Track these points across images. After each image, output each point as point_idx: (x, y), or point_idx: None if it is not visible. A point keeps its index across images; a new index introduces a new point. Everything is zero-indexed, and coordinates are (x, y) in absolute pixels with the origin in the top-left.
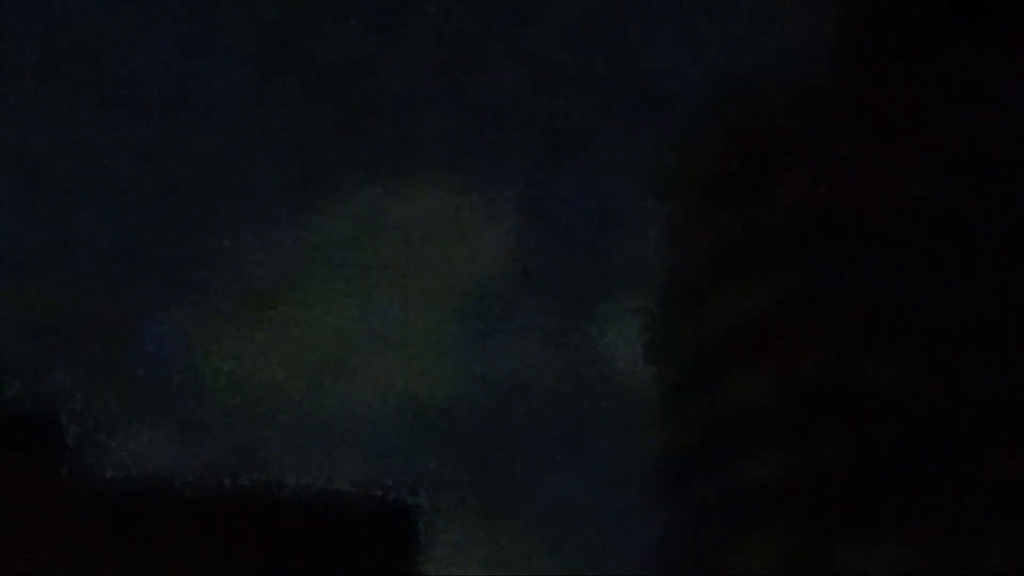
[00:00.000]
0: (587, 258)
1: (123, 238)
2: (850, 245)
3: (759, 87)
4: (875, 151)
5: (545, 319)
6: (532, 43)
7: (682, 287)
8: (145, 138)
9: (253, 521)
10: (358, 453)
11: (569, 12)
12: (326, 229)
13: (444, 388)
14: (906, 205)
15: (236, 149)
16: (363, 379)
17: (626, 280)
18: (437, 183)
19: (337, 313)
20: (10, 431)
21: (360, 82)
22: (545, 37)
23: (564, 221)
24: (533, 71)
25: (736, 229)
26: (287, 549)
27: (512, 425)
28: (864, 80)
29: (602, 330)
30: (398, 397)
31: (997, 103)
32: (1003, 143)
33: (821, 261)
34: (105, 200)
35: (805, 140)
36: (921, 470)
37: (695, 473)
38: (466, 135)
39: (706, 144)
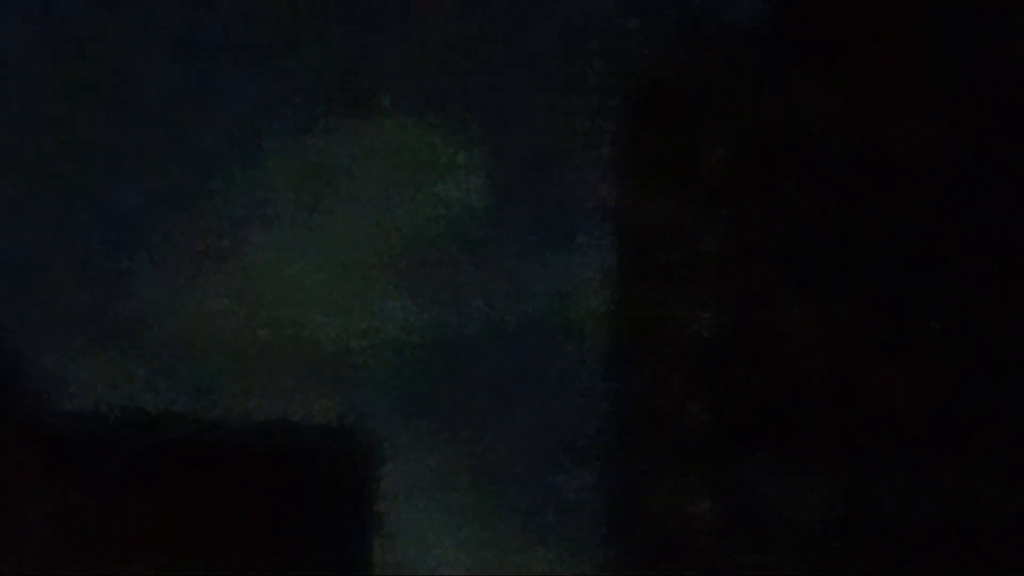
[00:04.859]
0: (546, 198)
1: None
2: (789, 186)
3: (692, 29)
4: (809, 90)
5: (504, 258)
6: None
7: (637, 225)
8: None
9: (208, 452)
10: (316, 389)
11: None
12: (282, 174)
13: (399, 328)
14: (841, 143)
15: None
16: (321, 317)
17: (584, 218)
18: (396, 120)
19: (292, 254)
20: None
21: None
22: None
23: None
24: None
25: (678, 167)
26: (241, 481)
27: (468, 364)
28: (793, 19)
29: (557, 270)
30: (355, 336)
31: (925, 38)
32: (931, 79)
33: (760, 202)
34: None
35: (739, 81)
36: (846, 405)
37: (641, 412)
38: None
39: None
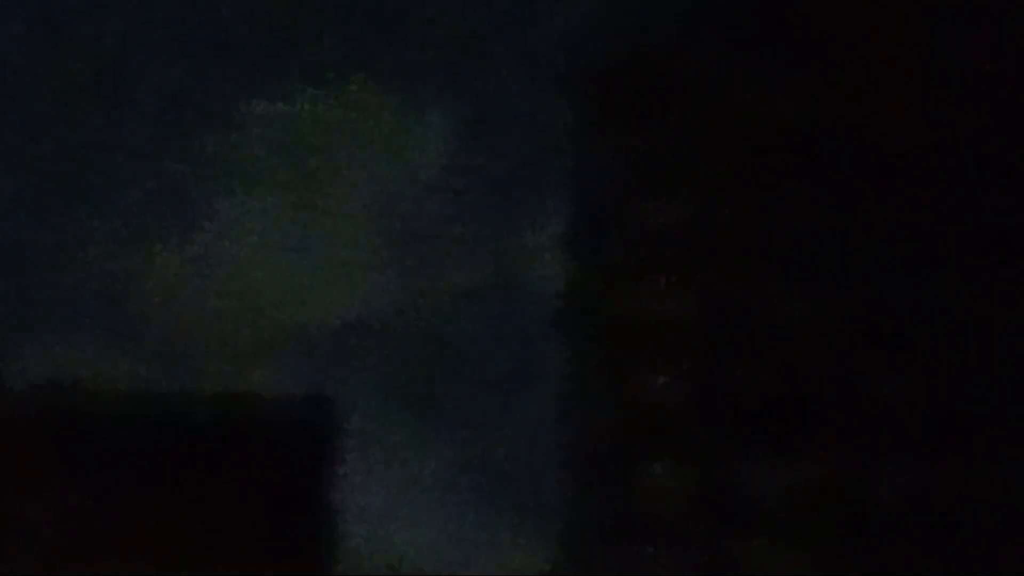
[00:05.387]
0: (513, 171)
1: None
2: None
3: (653, 6)
4: (771, 69)
5: (469, 233)
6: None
7: (602, 201)
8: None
9: (173, 433)
10: (280, 370)
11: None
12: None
13: (367, 305)
14: (809, 124)
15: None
16: (289, 296)
17: (551, 193)
18: (359, 94)
19: (262, 232)
20: None
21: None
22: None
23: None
24: None
25: (645, 147)
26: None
27: (435, 342)
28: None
29: (525, 243)
30: (321, 314)
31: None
32: (892, 59)
33: (727, 180)
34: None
35: (701, 59)
36: (829, 390)
37: (605, 391)
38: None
39: (604, 61)
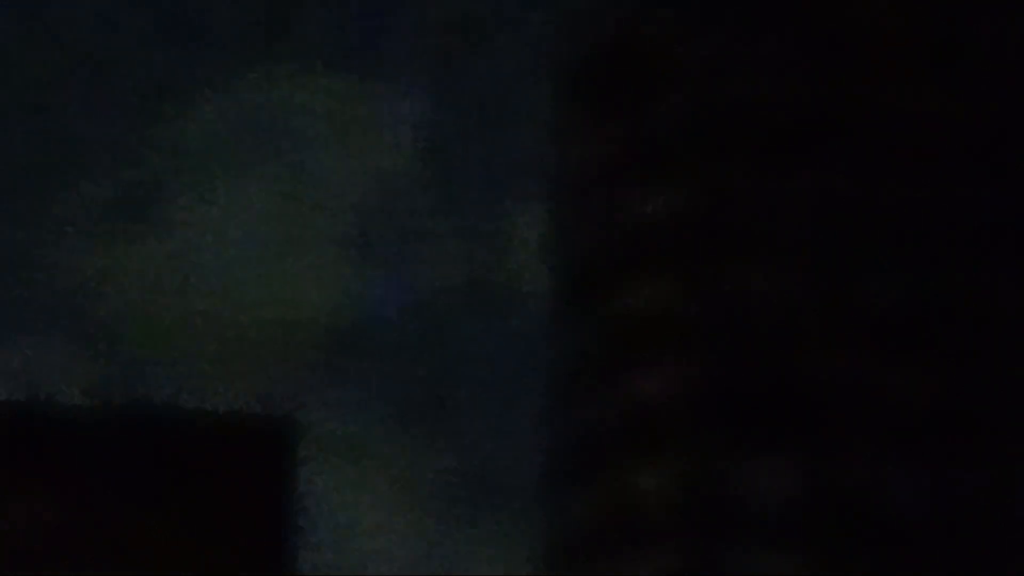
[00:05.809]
0: (492, 161)
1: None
2: (745, 153)
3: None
4: (773, 59)
5: (448, 224)
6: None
7: (583, 193)
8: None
9: (157, 439)
10: (268, 372)
11: None
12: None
13: (358, 304)
14: (813, 116)
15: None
16: (276, 294)
17: (530, 183)
18: (330, 79)
19: (247, 226)
20: None
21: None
22: None
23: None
24: None
25: (630, 137)
26: (169, 464)
27: (431, 342)
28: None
29: (505, 237)
30: (312, 314)
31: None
32: (878, 42)
33: (718, 169)
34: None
35: (688, 48)
36: (818, 385)
37: (591, 384)
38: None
39: (594, 49)
